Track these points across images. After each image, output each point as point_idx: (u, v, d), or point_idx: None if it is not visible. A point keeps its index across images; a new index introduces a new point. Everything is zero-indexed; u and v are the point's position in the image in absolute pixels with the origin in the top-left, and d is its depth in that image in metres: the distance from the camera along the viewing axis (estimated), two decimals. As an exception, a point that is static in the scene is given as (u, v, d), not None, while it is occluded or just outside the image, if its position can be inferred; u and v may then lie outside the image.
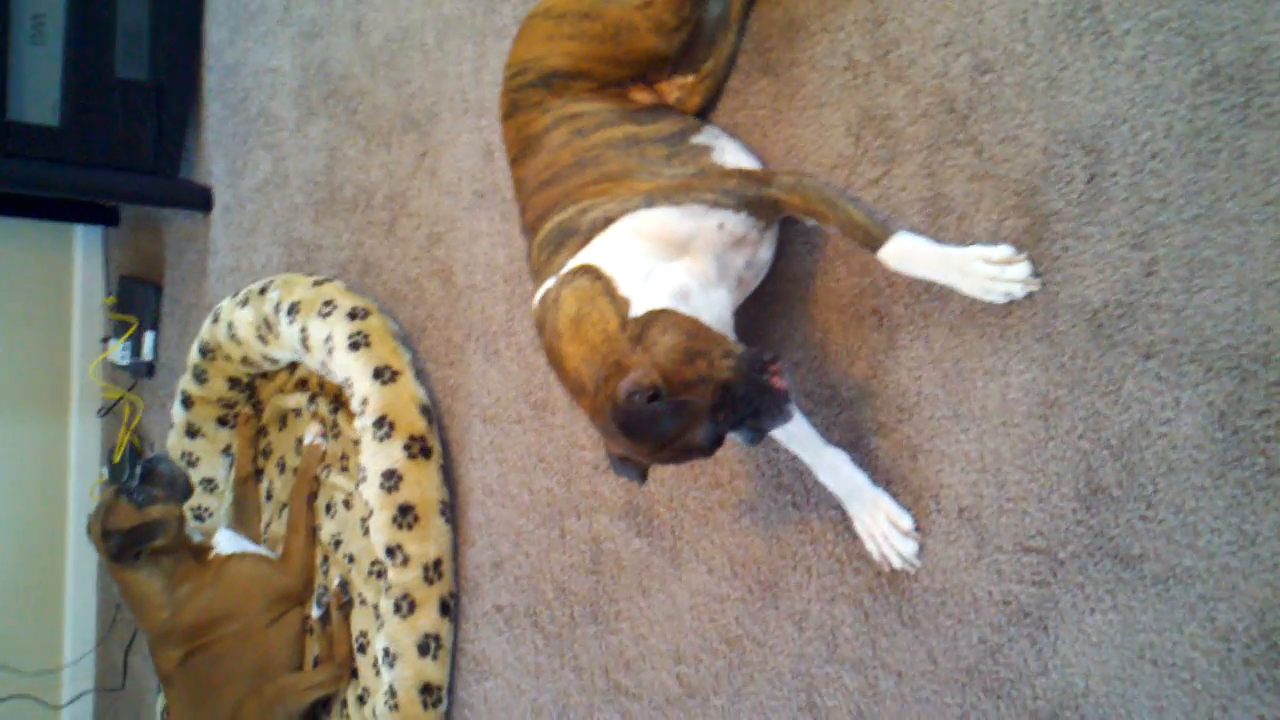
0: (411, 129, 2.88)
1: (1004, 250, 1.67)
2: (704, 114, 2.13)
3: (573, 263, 1.76)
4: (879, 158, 1.88)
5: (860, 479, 1.86)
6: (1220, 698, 1.50)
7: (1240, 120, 1.49)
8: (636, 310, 1.65)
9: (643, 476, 1.74)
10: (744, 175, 1.81)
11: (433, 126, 2.81)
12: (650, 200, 1.76)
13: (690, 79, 2.08)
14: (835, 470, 1.88)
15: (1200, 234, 1.52)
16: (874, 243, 1.73)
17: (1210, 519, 1.51)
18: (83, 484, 4.28)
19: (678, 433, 1.58)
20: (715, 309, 1.74)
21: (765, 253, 1.89)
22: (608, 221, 1.77)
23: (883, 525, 1.82)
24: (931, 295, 1.80)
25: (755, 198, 1.77)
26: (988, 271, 1.68)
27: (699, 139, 1.97)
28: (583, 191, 1.88)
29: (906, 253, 1.72)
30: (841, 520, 1.90)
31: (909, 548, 1.80)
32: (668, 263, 1.74)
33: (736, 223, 1.78)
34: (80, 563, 4.32)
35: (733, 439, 1.66)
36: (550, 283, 1.78)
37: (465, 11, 2.72)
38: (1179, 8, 1.55)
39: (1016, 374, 1.70)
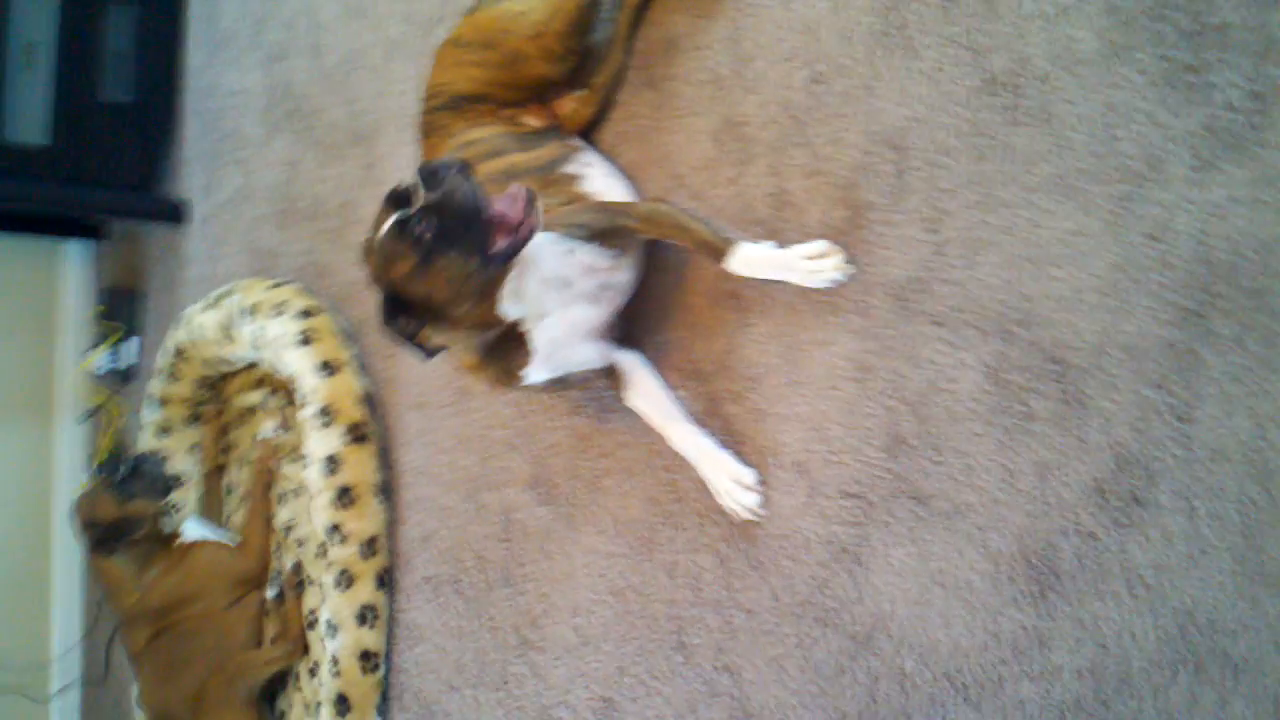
0: (360, 143, 3.15)
1: (819, 246, 1.94)
2: (596, 124, 2.40)
3: None
4: (736, 159, 2.15)
5: (708, 443, 2.12)
6: (992, 611, 1.75)
7: (1009, 120, 1.76)
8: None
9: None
10: (602, 208, 2.09)
11: (377, 140, 3.08)
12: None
13: (584, 93, 2.36)
14: (688, 438, 2.15)
15: (978, 218, 1.78)
16: (720, 256, 1.99)
17: (984, 460, 1.77)
18: (68, 486, 4.52)
19: None
20: (580, 324, 2.09)
21: (622, 276, 2.15)
22: None
23: (728, 482, 2.08)
24: (774, 280, 2.06)
25: (607, 228, 2.05)
26: (810, 266, 1.95)
27: (570, 168, 2.23)
28: None
29: (746, 261, 1.98)
30: (703, 481, 2.15)
31: (752, 499, 2.05)
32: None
33: (585, 252, 2.05)
34: (66, 562, 4.56)
35: None
36: None
37: (407, 35, 3.00)
38: (964, 25, 1.81)
39: (840, 344, 1.96)
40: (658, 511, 2.25)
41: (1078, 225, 1.68)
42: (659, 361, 2.24)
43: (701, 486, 2.16)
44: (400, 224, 1.80)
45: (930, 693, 1.84)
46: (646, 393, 2.21)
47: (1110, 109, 1.65)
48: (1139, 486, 1.61)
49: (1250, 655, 1.51)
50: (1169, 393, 1.58)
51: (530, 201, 1.80)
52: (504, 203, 1.79)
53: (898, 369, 1.88)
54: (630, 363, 2.23)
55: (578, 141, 2.34)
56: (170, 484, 3.29)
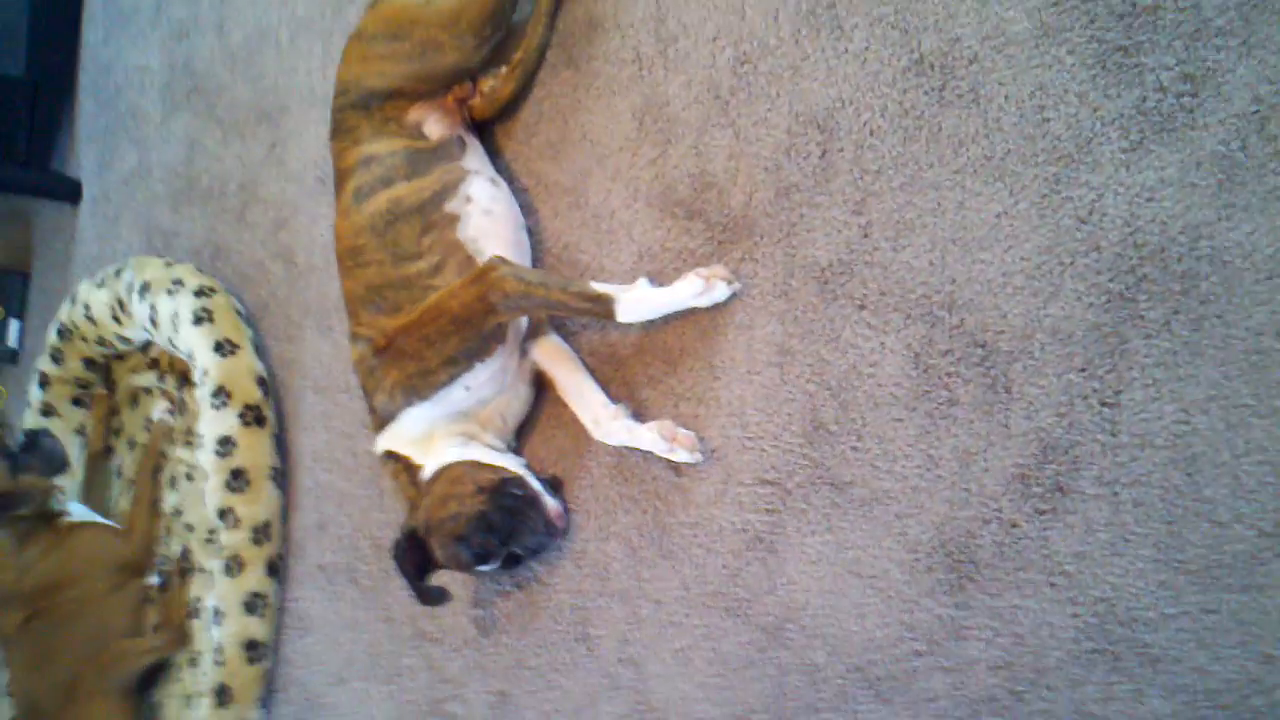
0: (264, 121, 3.05)
1: (696, 283, 1.94)
2: (514, 103, 2.33)
3: (380, 444, 2.20)
4: (658, 140, 2.10)
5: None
6: (908, 601, 1.71)
7: (937, 101, 1.73)
8: (426, 474, 2.12)
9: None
10: (462, 321, 2.01)
11: (283, 119, 2.99)
12: (409, 400, 2.10)
13: (503, 71, 2.30)
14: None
15: (905, 200, 1.75)
16: (607, 315, 1.98)
17: (904, 446, 1.73)
18: (-57, 470, 4.33)
19: (449, 558, 2.07)
20: (494, 422, 2.20)
21: (518, 335, 2.15)
22: (391, 416, 2.15)
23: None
24: (693, 263, 2.01)
25: (480, 343, 2.04)
26: (702, 299, 1.96)
27: (450, 205, 2.16)
28: (354, 306, 2.23)
29: (633, 310, 1.97)
30: (616, 466, 2.10)
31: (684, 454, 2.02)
32: (445, 428, 2.14)
33: (473, 377, 2.08)
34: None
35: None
36: (378, 448, 2.21)
37: (315, 13, 2.91)
38: (894, 5, 1.78)
39: (760, 327, 1.91)
40: (568, 497, 2.18)
41: (1006, 207, 1.65)
42: (573, 345, 2.18)
43: (613, 473, 2.11)
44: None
45: (840, 686, 1.80)
46: (565, 377, 2.17)
47: (1041, 90, 1.63)
48: (1062, 474, 1.58)
49: (1169, 648, 1.49)
50: (1095, 378, 1.56)
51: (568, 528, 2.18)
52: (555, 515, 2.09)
53: (819, 353, 1.84)
54: (549, 347, 2.19)
55: (470, 160, 2.26)
56: (65, 463, 3.15)
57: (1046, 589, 1.59)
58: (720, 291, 1.93)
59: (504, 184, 2.26)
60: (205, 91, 3.31)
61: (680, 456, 1.97)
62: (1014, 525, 1.62)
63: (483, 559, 2.04)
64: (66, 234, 3.89)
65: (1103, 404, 1.55)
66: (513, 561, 2.10)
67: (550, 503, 2.06)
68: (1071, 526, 1.57)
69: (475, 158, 2.27)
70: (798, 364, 1.87)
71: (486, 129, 2.38)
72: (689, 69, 2.06)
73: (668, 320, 2.03)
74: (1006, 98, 1.66)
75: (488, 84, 2.31)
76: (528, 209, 2.28)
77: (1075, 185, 1.59)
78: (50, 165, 3.91)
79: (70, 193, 3.84)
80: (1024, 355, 1.62)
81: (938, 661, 1.68)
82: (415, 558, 2.11)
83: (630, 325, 2.08)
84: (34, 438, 3.10)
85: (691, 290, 1.94)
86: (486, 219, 2.16)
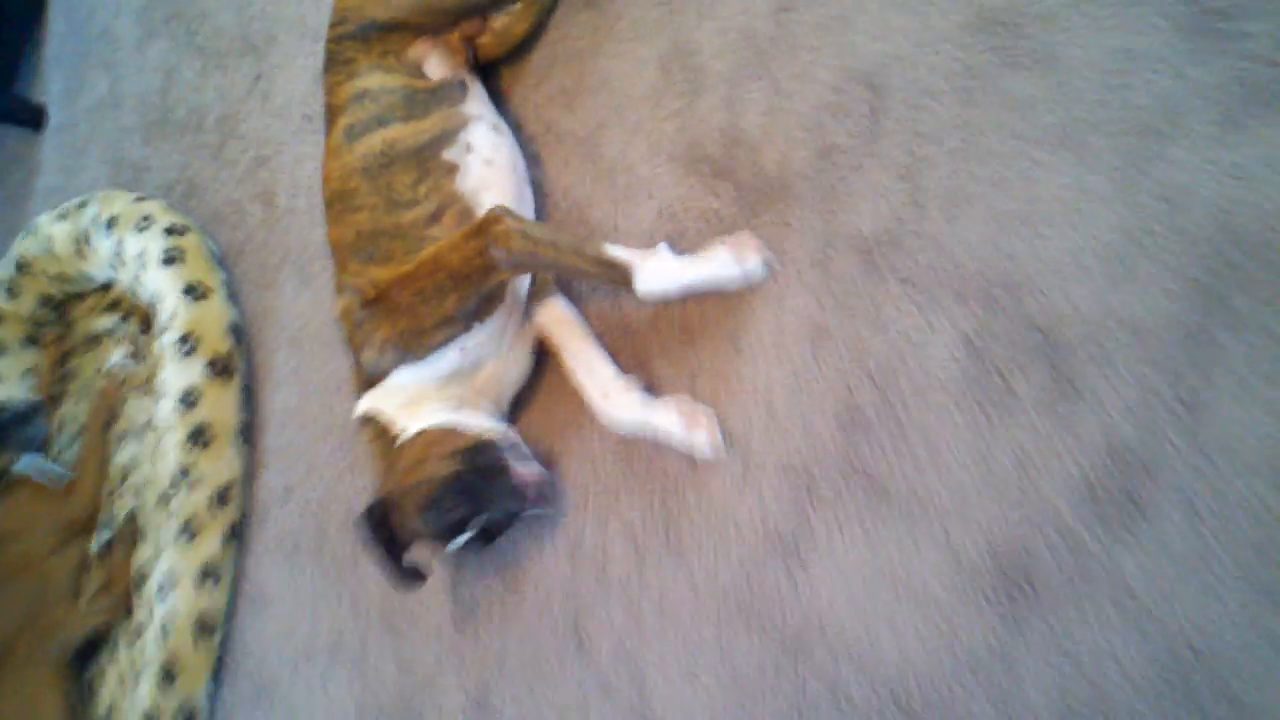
0: (249, 52, 2.85)
1: (727, 257, 1.76)
2: (527, 43, 2.15)
3: (361, 405, 2.00)
4: (685, 90, 1.92)
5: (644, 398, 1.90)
6: (950, 621, 1.54)
7: (1005, 62, 1.56)
8: (405, 438, 1.92)
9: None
10: (461, 277, 1.82)
11: (269, 50, 2.79)
12: (400, 359, 1.91)
13: (517, 8, 2.13)
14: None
15: (961, 167, 1.58)
16: (624, 284, 1.78)
17: (951, 440, 1.56)
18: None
19: (418, 527, 1.87)
20: (489, 389, 2.01)
21: (519, 297, 1.97)
22: (380, 374, 1.95)
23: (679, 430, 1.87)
24: (718, 226, 1.83)
25: (480, 303, 1.85)
26: (736, 276, 1.77)
27: (449, 154, 1.99)
28: (342, 253, 2.01)
29: (656, 281, 1.76)
30: (622, 443, 1.92)
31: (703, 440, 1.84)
32: (436, 392, 1.96)
33: (469, 339, 1.89)
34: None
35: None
36: (359, 409, 2.01)
37: (309, -64, 2.71)
38: (954, -47, 1.61)
39: (792, 300, 1.74)
40: (564, 479, 2.00)
41: (1078, 181, 1.48)
42: (580, 309, 2.00)
43: (618, 456, 1.93)
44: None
45: (868, 712, 1.62)
46: (571, 344, 1.99)
47: (1125, 55, 1.46)
48: (1135, 484, 1.41)
49: (1252, 687, 1.32)
50: (1175, 376, 1.39)
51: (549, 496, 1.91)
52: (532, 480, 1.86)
53: (858, 333, 1.66)
54: (554, 311, 2.01)
55: (472, 105, 2.08)
56: (45, 446, 2.96)
57: (1112, 613, 1.42)
58: (755, 268, 1.75)
59: (507, 131, 2.07)
60: (185, 17, 3.11)
61: (699, 443, 1.78)
62: (1077, 540, 1.45)
63: (455, 528, 1.85)
64: (28, 163, 3.67)
65: (1183, 406, 1.39)
66: (490, 537, 1.92)
67: (533, 465, 1.88)
68: (1144, 545, 1.40)
69: (478, 102, 2.09)
70: (833, 344, 1.69)
71: (493, 70, 2.20)
72: (722, 14, 1.89)
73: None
74: (1085, 62, 1.49)
75: (500, 21, 2.13)
76: (534, 160, 2.11)
77: (1158, 160, 1.42)
78: (13, 89, 3.68)
79: (33, 119, 3.63)
80: (1093, 345, 1.45)
81: (984, 690, 1.51)
82: (387, 533, 1.91)
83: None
84: (26, 414, 2.91)
85: (721, 265, 1.75)
86: (487, 169, 1.98)
